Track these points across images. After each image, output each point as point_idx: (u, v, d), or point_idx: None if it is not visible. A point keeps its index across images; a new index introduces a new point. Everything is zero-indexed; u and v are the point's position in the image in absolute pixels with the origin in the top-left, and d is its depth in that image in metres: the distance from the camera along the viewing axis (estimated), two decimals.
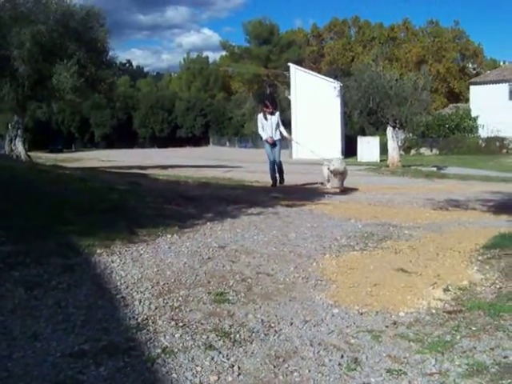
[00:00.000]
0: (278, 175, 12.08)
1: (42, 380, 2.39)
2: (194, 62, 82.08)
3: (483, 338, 2.97)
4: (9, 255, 4.15)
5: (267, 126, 11.91)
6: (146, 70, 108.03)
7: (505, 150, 39.48)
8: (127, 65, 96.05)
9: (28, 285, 3.58)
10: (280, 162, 12.03)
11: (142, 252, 4.67)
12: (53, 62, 16.40)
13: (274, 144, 11.97)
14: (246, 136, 58.91)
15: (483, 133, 42.27)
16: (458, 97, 60.65)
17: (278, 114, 12.15)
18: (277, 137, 11.95)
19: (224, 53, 77.22)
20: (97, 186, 8.63)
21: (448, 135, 43.04)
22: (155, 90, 78.21)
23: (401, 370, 2.60)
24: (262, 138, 12.42)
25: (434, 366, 2.65)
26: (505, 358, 2.70)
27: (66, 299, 3.40)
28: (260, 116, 12.14)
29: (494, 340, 2.93)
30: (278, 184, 12.01)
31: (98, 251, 4.55)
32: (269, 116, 11.92)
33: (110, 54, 19.50)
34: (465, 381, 2.47)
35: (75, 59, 16.43)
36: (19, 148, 18.27)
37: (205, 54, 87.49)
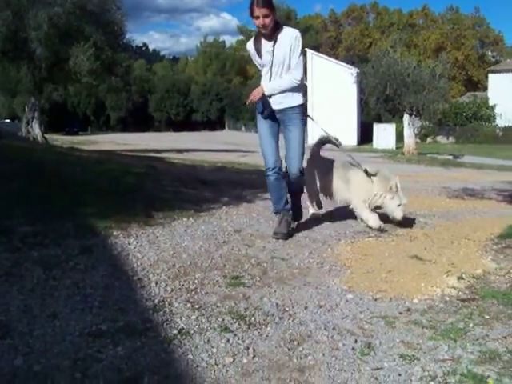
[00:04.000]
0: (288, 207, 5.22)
1: (62, 357, 2.44)
2: (211, 45, 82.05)
3: (496, 326, 2.99)
4: (27, 236, 4.22)
5: (264, 68, 5.00)
6: (163, 53, 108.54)
7: None
8: (143, 48, 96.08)
9: (46, 265, 3.64)
10: (300, 173, 5.10)
11: (158, 235, 4.72)
12: (69, 45, 16.52)
13: (272, 116, 5.02)
14: None
15: (501, 122, 41.95)
16: (476, 85, 60.11)
17: (297, 40, 4.83)
18: (295, 100, 4.97)
19: (241, 37, 77.09)
20: (114, 169, 8.70)
21: (465, 124, 42.79)
22: (171, 74, 78.19)
23: (414, 356, 2.62)
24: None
25: (446, 352, 2.67)
26: None
27: (84, 280, 3.45)
28: (250, 45, 5.06)
29: (507, 328, 2.94)
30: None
31: (115, 233, 4.61)
32: (267, 43, 4.87)
33: (127, 36, 19.64)
34: (477, 368, 2.49)
35: (92, 42, 16.53)
36: (36, 130, 18.47)
37: (223, 38, 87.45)
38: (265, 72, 4.97)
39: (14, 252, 3.84)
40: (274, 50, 4.81)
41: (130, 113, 66.82)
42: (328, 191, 5.76)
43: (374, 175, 5.46)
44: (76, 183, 6.56)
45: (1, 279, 3.35)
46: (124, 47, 19.85)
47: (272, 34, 4.79)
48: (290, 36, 4.82)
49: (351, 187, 5.51)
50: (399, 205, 5.38)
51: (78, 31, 16.67)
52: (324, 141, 5.87)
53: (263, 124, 5.06)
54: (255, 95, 4.91)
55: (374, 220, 5.36)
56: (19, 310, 2.92)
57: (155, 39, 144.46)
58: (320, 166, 5.82)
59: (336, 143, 5.66)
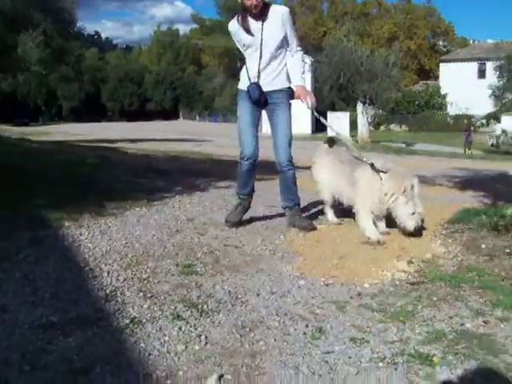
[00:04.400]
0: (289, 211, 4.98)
1: (10, 350, 2.40)
2: (165, 34, 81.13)
3: (443, 307, 3.08)
4: None
5: (251, 48, 4.69)
6: (115, 42, 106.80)
7: (472, 128, 39.99)
8: (95, 36, 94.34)
9: None
10: (290, 163, 4.83)
11: (110, 225, 4.68)
12: (17, 32, 16.02)
13: (263, 103, 4.71)
14: (217, 110, 58.52)
15: (452, 110, 42.82)
16: (429, 74, 61.02)
17: (289, 17, 4.69)
18: (285, 82, 4.74)
19: (195, 26, 76.44)
20: (66, 160, 8.58)
21: (417, 112, 43.57)
22: (124, 63, 77.00)
23: (363, 339, 2.67)
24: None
25: (395, 334, 2.73)
26: (462, 325, 2.81)
27: (34, 272, 3.40)
28: (233, 25, 4.75)
29: (453, 309, 3.04)
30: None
31: (67, 224, 4.56)
32: (254, 22, 4.61)
33: (78, 24, 19.16)
34: (424, 347, 2.56)
35: (41, 29, 16.08)
36: None
37: (177, 26, 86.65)
38: (251, 51, 4.68)
39: None
40: (263, 29, 4.56)
41: (82, 103, 65.63)
42: (336, 190, 5.10)
43: (385, 172, 4.62)
44: (27, 174, 6.45)
45: None
46: (75, 35, 19.43)
47: (261, 13, 4.57)
48: (279, 13, 4.61)
49: (357, 187, 4.75)
50: (413, 213, 4.53)
51: (25, 17, 16.18)
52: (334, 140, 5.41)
53: (246, 111, 4.79)
54: (311, 97, 4.74)
55: (373, 232, 4.59)
56: None
57: (108, 28, 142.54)
58: (329, 162, 5.16)
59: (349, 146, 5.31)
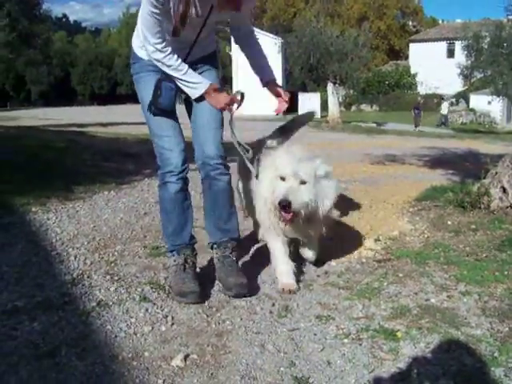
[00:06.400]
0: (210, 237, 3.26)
1: None
2: (134, 16, 79.97)
3: (408, 283, 3.12)
4: None
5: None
6: (84, 24, 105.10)
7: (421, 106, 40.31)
8: (63, 19, 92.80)
9: None
10: (220, 166, 3.14)
11: (78, 209, 4.65)
12: None
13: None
14: None
15: (422, 90, 43.06)
16: (398, 54, 61.19)
17: None
18: (210, 47, 3.24)
19: None
20: (33, 145, 8.46)
21: (388, 92, 43.72)
22: (94, 46, 75.93)
23: (329, 316, 2.70)
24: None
25: (361, 311, 2.77)
26: (426, 300, 2.85)
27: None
28: None
29: (418, 285, 3.08)
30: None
31: (34, 209, 4.51)
32: None
33: (44, 7, 18.81)
34: (388, 323, 2.59)
35: (5, 11, 15.76)
36: None
37: None
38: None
39: None
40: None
41: (51, 87, 64.56)
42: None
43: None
44: None
45: None
46: (42, 18, 19.05)
47: None
48: None
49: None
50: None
51: None
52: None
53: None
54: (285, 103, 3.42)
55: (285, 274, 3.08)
56: None
57: (76, 10, 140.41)
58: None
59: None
